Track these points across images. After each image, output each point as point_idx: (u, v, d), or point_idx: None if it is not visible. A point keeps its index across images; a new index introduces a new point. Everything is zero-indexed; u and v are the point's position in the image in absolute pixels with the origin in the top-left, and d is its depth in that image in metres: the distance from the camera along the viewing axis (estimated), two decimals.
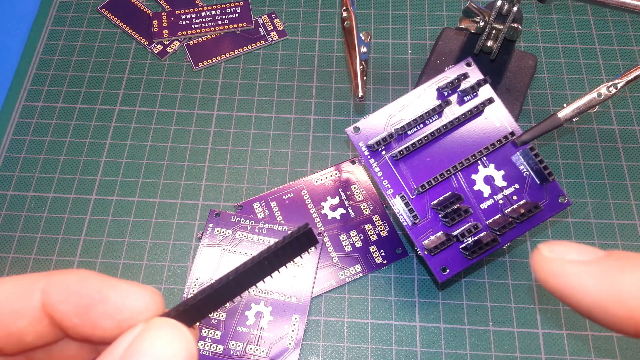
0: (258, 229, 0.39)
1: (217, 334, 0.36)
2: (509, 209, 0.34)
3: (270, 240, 0.39)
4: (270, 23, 0.50)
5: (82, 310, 0.15)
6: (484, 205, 0.34)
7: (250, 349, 0.36)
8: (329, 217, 0.40)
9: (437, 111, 0.34)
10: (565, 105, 0.34)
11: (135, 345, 0.14)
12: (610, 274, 0.14)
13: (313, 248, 0.16)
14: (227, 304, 0.16)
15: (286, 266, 0.16)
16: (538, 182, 0.34)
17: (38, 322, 0.16)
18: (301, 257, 0.16)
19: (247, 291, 0.16)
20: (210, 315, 0.36)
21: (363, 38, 0.36)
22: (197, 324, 0.16)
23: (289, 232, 0.16)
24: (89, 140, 0.45)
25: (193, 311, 0.16)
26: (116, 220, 0.41)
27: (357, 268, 0.39)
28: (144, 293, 0.15)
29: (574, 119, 0.34)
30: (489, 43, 0.38)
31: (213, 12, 0.50)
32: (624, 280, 0.14)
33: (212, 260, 0.38)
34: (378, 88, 0.46)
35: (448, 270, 0.33)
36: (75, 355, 0.17)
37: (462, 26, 0.38)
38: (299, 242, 0.16)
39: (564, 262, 0.15)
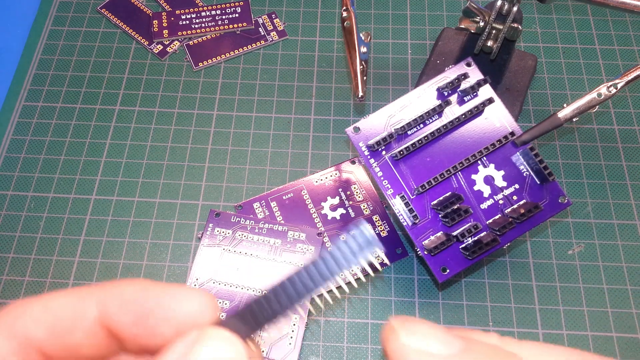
0: (258, 229, 0.39)
1: None
2: (509, 209, 0.34)
3: (271, 241, 0.39)
4: (270, 23, 0.50)
5: (139, 318, 0.15)
6: (484, 205, 0.34)
7: None
8: (329, 217, 0.40)
9: (437, 111, 0.34)
10: (565, 105, 0.34)
11: (187, 357, 0.14)
12: None
13: (378, 256, 0.15)
14: (288, 316, 0.15)
15: (345, 273, 0.15)
16: (538, 182, 0.34)
17: (94, 335, 0.16)
18: (366, 265, 0.15)
19: (307, 301, 0.15)
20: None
21: (363, 38, 0.36)
22: (258, 338, 0.15)
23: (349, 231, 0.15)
24: (89, 140, 0.45)
25: (250, 319, 0.15)
26: (116, 220, 0.41)
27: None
28: (199, 296, 0.15)
29: (574, 119, 0.34)
30: (489, 43, 0.38)
31: (213, 12, 0.50)
32: None
33: (212, 260, 0.38)
34: (378, 88, 0.46)
35: (448, 270, 0.33)
36: None
37: (462, 26, 0.38)
38: (357, 244, 0.15)
39: (425, 357, 0.13)
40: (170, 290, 0.15)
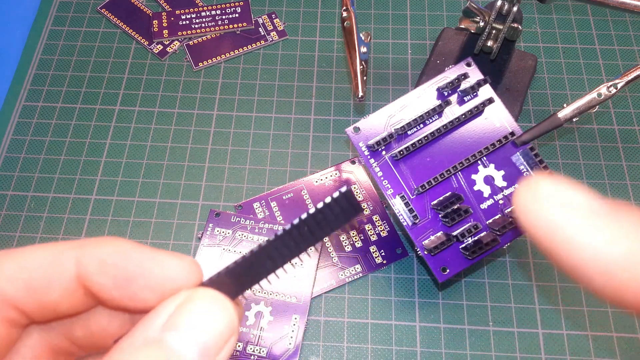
0: (258, 229, 0.39)
1: None
2: (509, 209, 0.34)
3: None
4: (270, 23, 0.50)
5: (120, 283, 0.15)
6: (484, 205, 0.34)
7: (250, 349, 0.36)
8: None
9: (437, 111, 0.34)
10: (565, 105, 0.34)
11: (178, 316, 0.13)
12: (624, 236, 0.11)
13: (355, 220, 0.15)
14: (270, 277, 0.15)
15: (328, 236, 0.15)
16: None
17: (72, 292, 0.15)
18: (345, 227, 0.15)
19: (288, 264, 0.15)
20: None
21: (363, 38, 0.36)
22: (242, 296, 0.15)
23: (330, 197, 0.15)
24: (89, 140, 0.45)
25: (234, 281, 0.15)
26: (116, 220, 0.41)
27: (357, 268, 0.39)
28: (184, 263, 0.15)
29: (574, 119, 0.34)
30: (489, 43, 0.38)
31: (213, 12, 0.50)
32: None
33: (212, 260, 0.38)
34: (378, 88, 0.46)
35: (448, 270, 0.33)
36: (110, 324, 0.17)
37: (462, 26, 0.38)
38: (340, 207, 0.15)
39: (565, 210, 0.12)
40: (153, 256, 0.15)
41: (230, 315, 0.14)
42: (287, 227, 0.15)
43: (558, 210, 0.12)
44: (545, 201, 0.12)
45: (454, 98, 0.35)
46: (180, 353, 0.13)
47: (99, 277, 0.15)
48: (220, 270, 0.15)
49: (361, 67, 0.35)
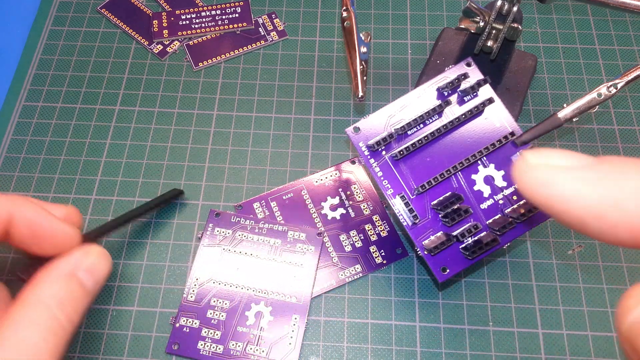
0: (258, 229, 0.39)
1: (217, 334, 0.36)
2: (509, 209, 0.34)
3: (271, 241, 0.39)
4: (270, 23, 0.50)
5: (37, 236, 0.23)
6: (484, 205, 0.34)
7: (250, 349, 0.36)
8: (329, 217, 0.40)
9: (437, 111, 0.34)
10: (565, 105, 0.34)
11: (82, 261, 0.23)
12: (606, 180, 0.13)
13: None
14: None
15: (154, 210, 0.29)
16: None
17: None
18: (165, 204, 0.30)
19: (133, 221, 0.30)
20: (209, 316, 0.36)
21: (363, 38, 0.36)
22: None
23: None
24: (89, 140, 0.45)
25: (100, 235, 0.29)
26: None
27: (357, 268, 0.39)
28: (73, 228, 0.24)
29: (574, 119, 0.34)
30: (489, 43, 0.38)
31: (213, 12, 0.50)
32: (623, 185, 0.13)
33: (212, 260, 0.38)
34: (378, 88, 0.46)
35: (448, 270, 0.33)
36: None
37: (462, 26, 0.38)
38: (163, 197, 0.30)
39: (553, 170, 0.14)
40: (54, 219, 0.24)
41: (110, 261, 0.24)
42: (134, 210, 0.30)
43: (547, 171, 0.14)
44: (536, 167, 0.14)
45: (454, 98, 0.35)
46: (84, 281, 0.22)
47: (22, 229, 0.23)
48: (92, 230, 0.27)
49: (361, 67, 0.35)
